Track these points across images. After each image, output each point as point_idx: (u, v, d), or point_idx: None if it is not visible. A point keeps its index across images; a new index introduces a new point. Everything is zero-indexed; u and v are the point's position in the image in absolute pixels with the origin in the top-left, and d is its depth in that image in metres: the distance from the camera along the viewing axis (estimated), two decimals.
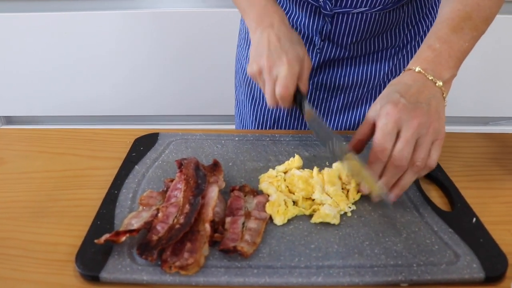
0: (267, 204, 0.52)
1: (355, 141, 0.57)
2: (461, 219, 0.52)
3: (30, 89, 1.64)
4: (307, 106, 0.61)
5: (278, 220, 0.50)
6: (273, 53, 0.60)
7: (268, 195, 0.54)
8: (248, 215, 0.50)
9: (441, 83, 0.54)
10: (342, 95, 0.80)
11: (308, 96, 0.81)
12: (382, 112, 0.51)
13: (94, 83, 1.63)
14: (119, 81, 1.63)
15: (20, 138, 0.71)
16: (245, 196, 0.53)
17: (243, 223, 0.49)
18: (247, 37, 0.84)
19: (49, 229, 0.51)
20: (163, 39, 1.55)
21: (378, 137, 0.51)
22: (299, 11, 0.74)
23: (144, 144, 0.65)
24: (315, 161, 0.62)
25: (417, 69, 0.55)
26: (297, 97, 0.61)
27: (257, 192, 0.55)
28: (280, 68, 0.59)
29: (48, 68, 1.60)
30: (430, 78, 0.54)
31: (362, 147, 0.58)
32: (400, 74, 0.57)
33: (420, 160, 0.51)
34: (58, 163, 0.64)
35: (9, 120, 1.76)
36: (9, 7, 1.51)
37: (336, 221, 0.50)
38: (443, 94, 0.54)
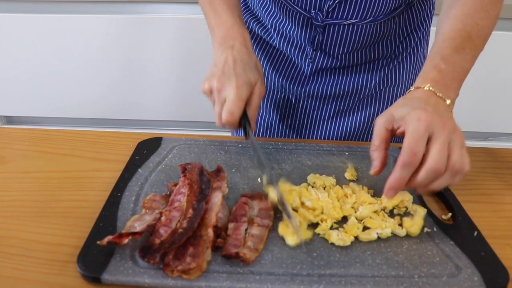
0: (280, 224, 0.50)
1: (378, 148, 0.54)
2: (463, 232, 0.52)
3: (32, 89, 1.64)
4: (251, 133, 0.61)
5: (291, 240, 0.48)
6: (225, 75, 0.61)
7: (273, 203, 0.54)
8: (251, 222, 0.50)
9: (449, 101, 0.55)
10: (334, 103, 0.81)
11: (300, 103, 0.82)
12: (412, 117, 0.50)
13: (96, 86, 1.64)
14: (122, 85, 1.63)
15: (22, 137, 0.71)
16: (252, 200, 0.53)
17: (246, 230, 0.49)
18: None
19: (50, 229, 0.51)
20: (167, 45, 1.56)
21: (410, 141, 0.49)
22: (291, 21, 0.75)
23: (147, 148, 0.66)
24: (317, 170, 0.63)
25: (427, 87, 0.55)
26: (242, 121, 0.61)
27: (265, 197, 0.54)
28: (228, 91, 0.60)
29: (51, 69, 1.61)
30: (439, 95, 0.55)
31: (385, 157, 0.54)
32: (408, 92, 0.57)
33: (457, 162, 0.49)
34: (61, 164, 0.64)
35: (9, 120, 1.76)
36: (13, 7, 1.52)
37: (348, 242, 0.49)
38: (451, 111, 0.55)
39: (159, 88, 1.64)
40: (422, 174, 0.49)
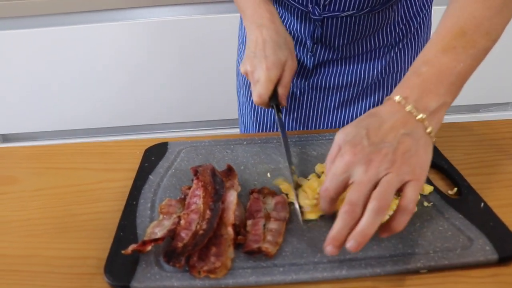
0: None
1: (326, 169, 0.49)
2: (470, 205, 0.54)
3: (28, 105, 1.63)
4: (279, 115, 0.65)
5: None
6: (256, 57, 0.65)
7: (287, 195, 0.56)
8: (267, 217, 0.52)
9: (423, 116, 0.46)
10: (338, 94, 0.82)
11: (305, 96, 0.83)
12: (340, 152, 0.46)
13: (93, 96, 1.63)
14: (120, 92, 1.63)
15: (30, 155, 0.72)
16: (264, 197, 0.55)
17: (264, 225, 0.51)
18: (245, 42, 0.86)
19: (71, 243, 0.53)
20: (163, 48, 1.56)
21: (327, 176, 0.47)
22: (290, 16, 0.77)
23: (155, 154, 0.67)
24: (323, 159, 0.64)
25: (397, 98, 0.47)
26: (271, 101, 0.65)
27: (276, 193, 0.56)
28: (259, 73, 0.64)
29: (44, 83, 1.60)
30: (410, 110, 0.47)
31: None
32: (383, 103, 0.50)
33: (377, 197, 0.42)
34: (72, 178, 0.65)
35: (6, 137, 1.75)
36: (4, 25, 1.50)
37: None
38: (426, 128, 0.47)
39: (157, 92, 1.64)
40: (338, 220, 0.43)
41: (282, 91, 0.66)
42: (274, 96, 0.65)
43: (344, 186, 0.46)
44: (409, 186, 0.44)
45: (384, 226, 0.45)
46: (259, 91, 0.64)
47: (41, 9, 1.46)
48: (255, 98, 0.64)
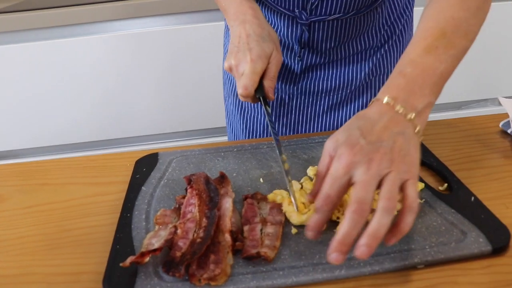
0: (285, 203, 0.53)
1: (318, 181, 0.48)
2: (461, 199, 0.55)
3: (10, 122, 1.59)
4: (266, 107, 0.64)
5: (295, 218, 0.51)
6: (240, 51, 0.65)
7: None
8: (264, 222, 0.52)
9: (412, 116, 0.47)
10: (327, 97, 0.83)
11: (293, 101, 0.84)
12: (337, 155, 0.45)
13: (76, 110, 1.60)
14: (104, 105, 1.60)
15: (16, 173, 0.70)
16: (258, 203, 0.55)
17: (261, 230, 0.51)
18: None
19: (67, 259, 0.52)
20: (147, 59, 1.55)
21: (326, 182, 0.45)
22: (277, 21, 0.78)
23: (145, 165, 0.66)
24: (314, 162, 0.65)
25: (386, 99, 0.48)
26: (258, 93, 0.64)
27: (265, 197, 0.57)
28: (244, 66, 0.64)
29: (27, 99, 1.56)
30: (399, 111, 0.47)
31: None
32: (368, 105, 0.51)
33: (386, 196, 0.42)
34: (62, 193, 0.64)
35: None
36: None
37: None
38: (415, 128, 0.47)
39: (143, 104, 1.62)
40: (345, 220, 0.42)
41: (268, 84, 0.65)
42: (260, 89, 0.64)
43: (345, 189, 0.45)
44: (409, 185, 0.44)
45: (391, 232, 0.43)
46: (244, 83, 0.62)
47: (21, 24, 1.44)
48: (240, 90, 0.62)
